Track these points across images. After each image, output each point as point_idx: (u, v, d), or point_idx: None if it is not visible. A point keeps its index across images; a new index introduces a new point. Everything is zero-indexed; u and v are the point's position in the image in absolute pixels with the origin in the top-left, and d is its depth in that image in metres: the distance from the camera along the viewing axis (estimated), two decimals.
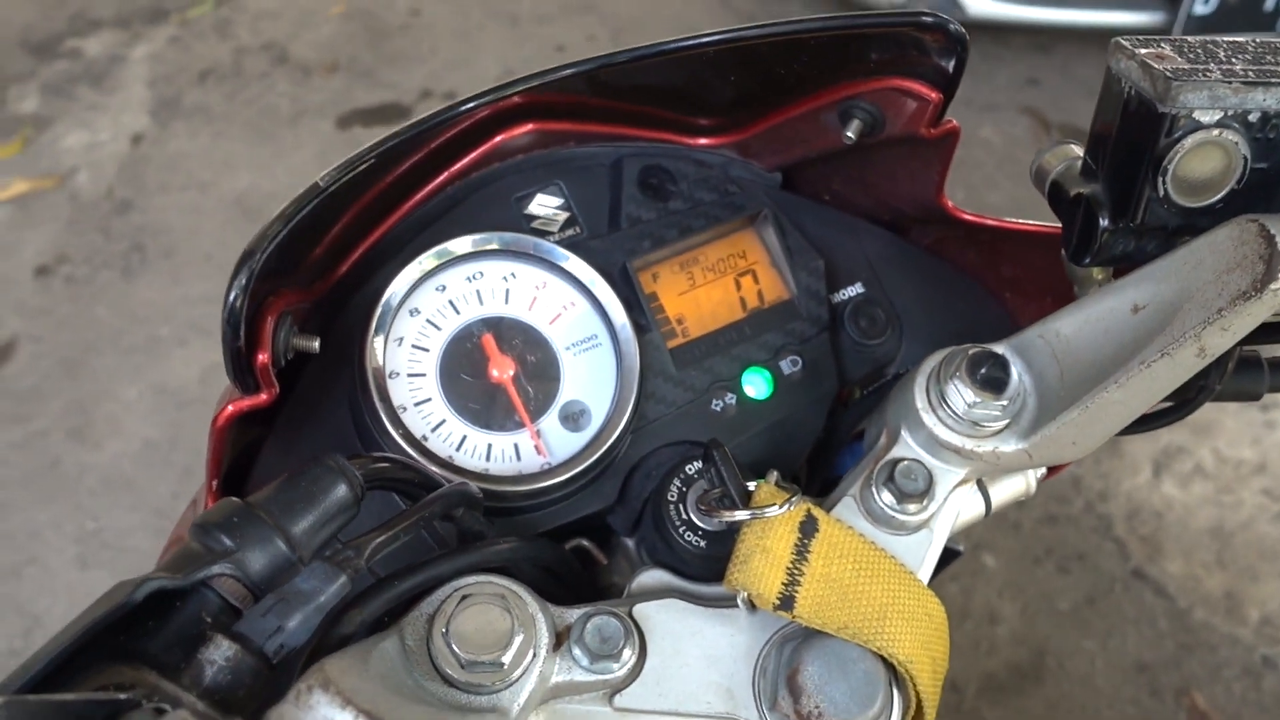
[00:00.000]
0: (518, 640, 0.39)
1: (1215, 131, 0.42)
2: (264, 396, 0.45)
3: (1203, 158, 0.43)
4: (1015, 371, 0.48)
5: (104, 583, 1.97)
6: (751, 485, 0.46)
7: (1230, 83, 0.41)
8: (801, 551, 0.44)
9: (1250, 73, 0.42)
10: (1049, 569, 2.00)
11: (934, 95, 0.52)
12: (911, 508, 0.47)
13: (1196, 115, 0.42)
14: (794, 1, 3.62)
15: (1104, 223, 0.45)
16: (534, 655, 0.40)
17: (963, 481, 0.49)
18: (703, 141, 0.59)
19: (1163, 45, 0.44)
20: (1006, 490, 0.52)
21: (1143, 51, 0.43)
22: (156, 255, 2.81)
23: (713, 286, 0.56)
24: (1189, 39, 0.46)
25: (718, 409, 0.54)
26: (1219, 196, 0.43)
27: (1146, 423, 0.53)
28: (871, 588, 0.45)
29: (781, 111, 0.56)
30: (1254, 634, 1.88)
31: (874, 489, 0.48)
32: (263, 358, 0.45)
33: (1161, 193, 0.43)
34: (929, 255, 0.61)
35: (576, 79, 0.52)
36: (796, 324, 0.56)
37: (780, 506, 0.44)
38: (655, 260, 0.55)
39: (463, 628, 0.38)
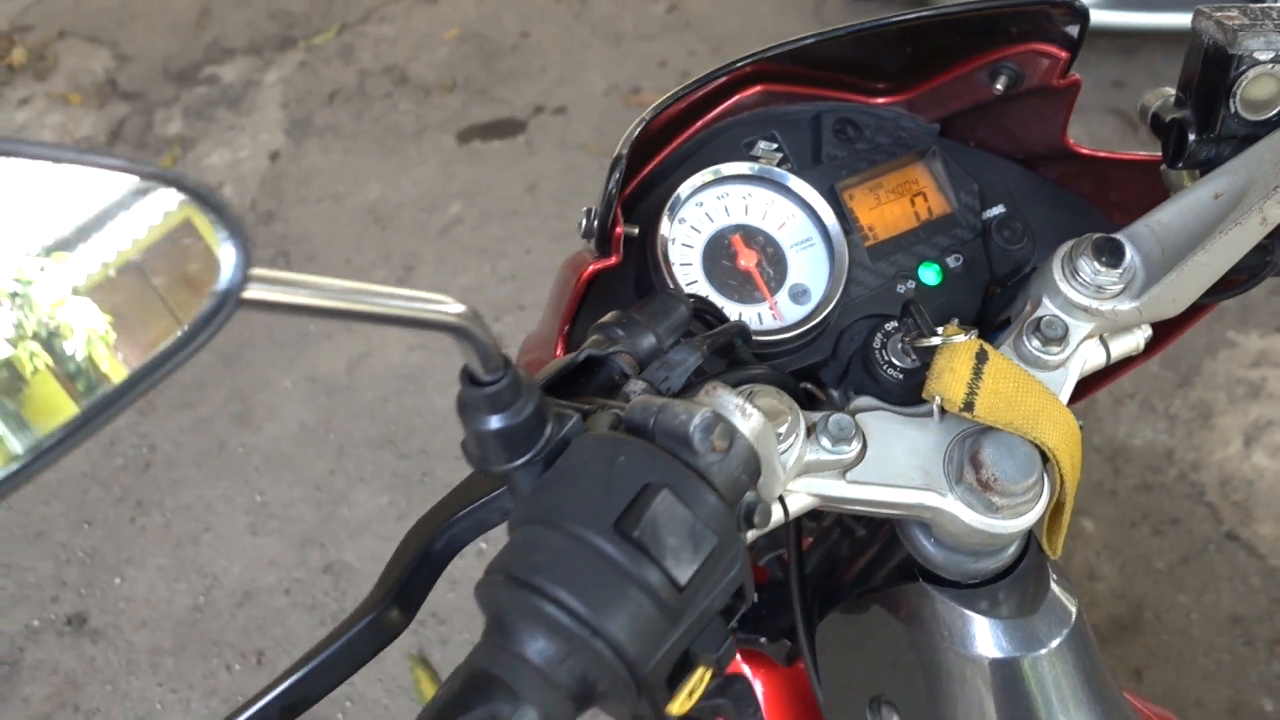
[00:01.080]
0: (788, 420, 0.57)
1: (1270, 65, 0.59)
2: (614, 259, 0.64)
3: (1261, 85, 0.60)
4: (1128, 250, 0.65)
5: (273, 548, 2.30)
6: (939, 329, 0.64)
7: (1278, 31, 0.59)
8: (977, 372, 0.62)
9: None
10: (1145, 532, 2.13)
11: (1063, 54, 0.70)
12: (1053, 349, 0.65)
13: (1256, 55, 0.59)
14: (886, 11, 3.79)
15: (1192, 136, 0.63)
16: (796, 436, 0.58)
17: (1089, 335, 0.66)
18: (879, 100, 0.77)
19: (1231, 9, 0.61)
20: (1121, 346, 0.69)
21: (1217, 14, 0.61)
22: (300, 259, 3.07)
23: (894, 204, 0.74)
24: (1251, 5, 0.63)
25: (901, 291, 0.73)
26: (1274, 112, 0.61)
27: (1228, 290, 0.69)
28: (1028, 399, 0.62)
29: (944, 74, 0.74)
30: None
31: (1025, 337, 0.65)
32: (618, 230, 0.64)
33: (1233, 110, 0.60)
34: (1054, 184, 0.79)
35: (792, 53, 0.71)
36: (958, 231, 0.74)
37: (964, 335, 0.62)
38: (850, 185, 0.74)
39: (757, 405, 0.57)
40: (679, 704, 0.45)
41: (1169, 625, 1.97)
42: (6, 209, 0.34)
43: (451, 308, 0.44)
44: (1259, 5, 0.62)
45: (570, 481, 0.45)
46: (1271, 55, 0.59)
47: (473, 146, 3.46)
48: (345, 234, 3.16)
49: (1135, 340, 0.68)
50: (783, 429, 0.57)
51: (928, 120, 0.77)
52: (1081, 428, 0.98)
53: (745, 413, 0.48)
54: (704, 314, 0.61)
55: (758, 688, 1.07)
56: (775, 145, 0.75)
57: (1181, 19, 3.15)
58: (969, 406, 0.61)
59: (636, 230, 0.68)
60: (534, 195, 3.22)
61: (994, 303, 0.75)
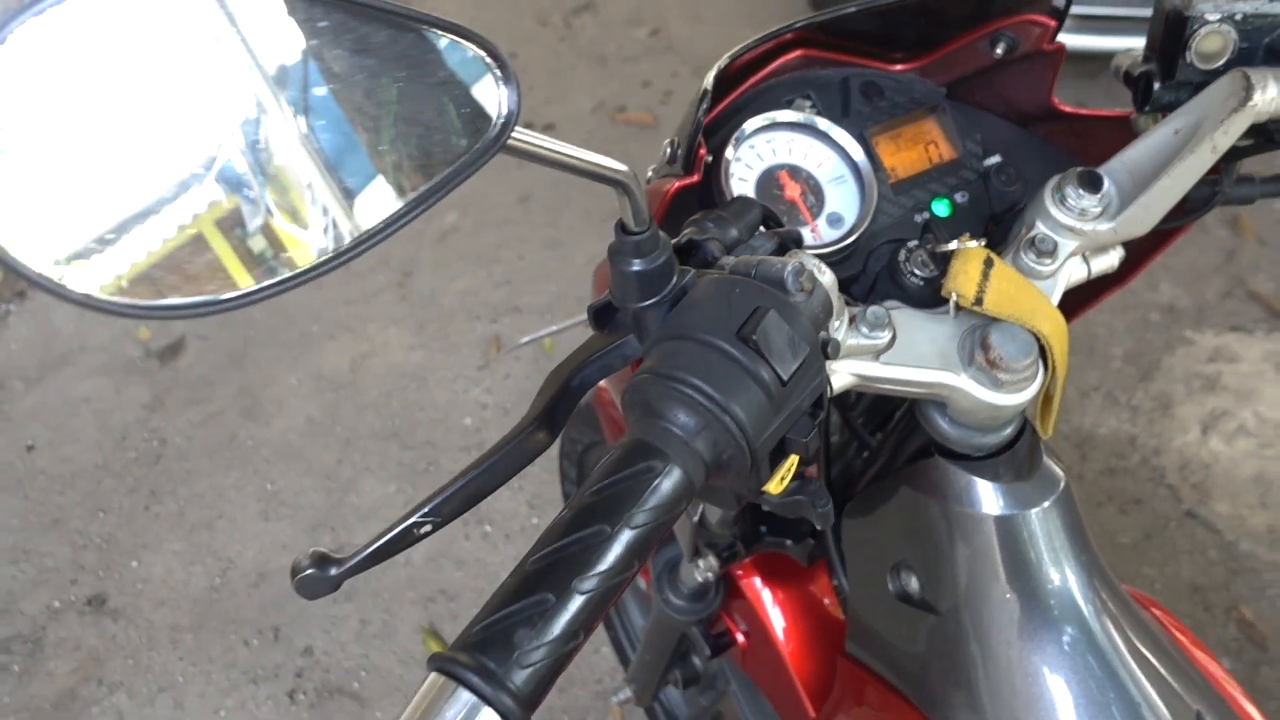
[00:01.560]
0: (835, 303, 0.71)
1: (1217, 24, 0.74)
2: (696, 177, 0.78)
3: (1210, 40, 0.75)
4: (1105, 180, 0.80)
5: (286, 533, 2.44)
6: (953, 241, 0.78)
7: None
8: (985, 274, 0.76)
9: None
10: (1111, 511, 2.28)
11: (1052, 23, 0.85)
12: (1045, 261, 0.79)
13: (1206, 15, 0.74)
14: None
15: (1156, 85, 0.78)
16: (841, 320, 0.72)
17: (1074, 252, 0.81)
18: (897, 67, 0.92)
19: None
20: (1100, 263, 0.83)
21: None
22: None
23: (911, 149, 0.88)
24: None
25: (918, 220, 0.87)
26: (1222, 62, 0.76)
27: (1186, 215, 0.84)
28: (1026, 298, 0.76)
29: (951, 43, 0.89)
30: None
31: (1022, 252, 0.79)
32: (701, 152, 0.78)
33: (1188, 61, 0.75)
34: (1042, 139, 0.94)
35: (827, 24, 0.85)
36: (964, 172, 0.88)
37: (974, 242, 0.76)
38: (876, 132, 0.88)
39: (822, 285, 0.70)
40: (775, 483, 0.58)
41: None
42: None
43: (619, 167, 0.57)
44: None
45: (700, 308, 0.58)
46: (1219, 16, 0.74)
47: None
48: None
49: (1111, 259, 0.83)
50: (835, 321, 0.71)
51: (937, 84, 0.92)
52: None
53: (820, 270, 0.62)
54: (768, 220, 0.75)
55: (769, 600, 1.21)
56: (810, 102, 0.89)
57: (1138, 42, 3.35)
58: (979, 301, 0.75)
59: (710, 158, 0.82)
60: (526, 206, 3.35)
61: (993, 236, 0.90)
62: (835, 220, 0.85)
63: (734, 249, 0.68)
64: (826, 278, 0.62)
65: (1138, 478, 2.34)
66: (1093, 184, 0.79)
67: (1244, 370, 2.56)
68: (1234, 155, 0.80)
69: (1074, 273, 0.82)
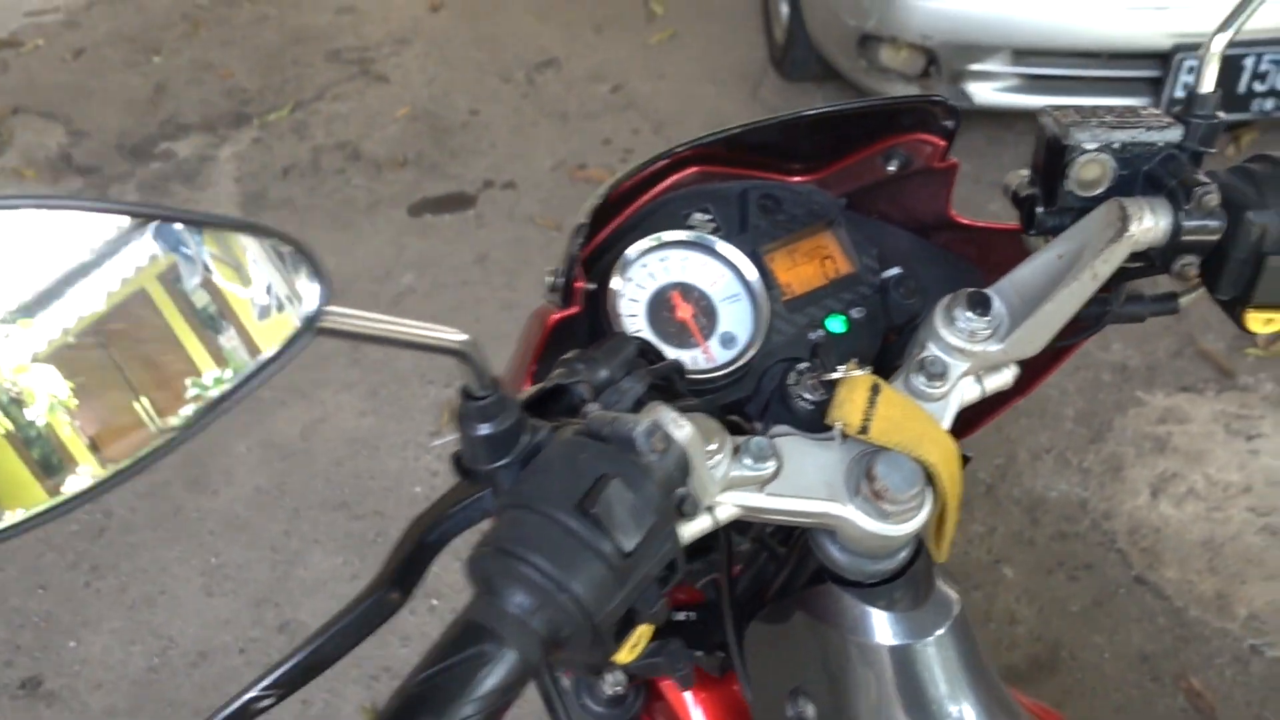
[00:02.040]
0: (716, 440, 0.70)
1: (1095, 153, 0.74)
2: (575, 309, 0.77)
3: (1089, 168, 0.75)
4: (994, 302, 0.79)
5: (228, 609, 2.39)
6: (841, 367, 0.77)
7: (1101, 127, 0.73)
8: (872, 401, 0.75)
9: (1114, 121, 0.74)
10: (1061, 578, 2.27)
11: (941, 143, 0.85)
12: (935, 384, 0.78)
13: (1084, 145, 0.74)
14: (816, 95, 4.02)
15: (1039, 209, 0.77)
16: (723, 453, 0.71)
17: (966, 373, 0.80)
18: (795, 179, 0.92)
19: (1069, 108, 0.76)
20: (993, 382, 0.82)
21: (1055, 112, 0.76)
22: None
23: (807, 265, 0.88)
24: (1083, 105, 0.78)
25: (813, 338, 0.86)
26: (1102, 190, 0.75)
27: (1079, 333, 0.84)
28: (913, 424, 0.75)
29: (848, 157, 0.89)
30: (1242, 627, 2.14)
31: (912, 374, 0.79)
32: (579, 284, 0.77)
33: (1068, 189, 0.75)
34: (942, 249, 0.93)
35: (723, 140, 0.85)
36: (860, 288, 0.88)
37: (861, 371, 0.75)
38: (771, 249, 0.88)
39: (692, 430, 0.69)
40: (625, 653, 0.56)
41: (1083, 664, 2.10)
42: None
43: (456, 336, 0.56)
44: (1087, 106, 0.77)
45: (544, 474, 0.57)
46: (1096, 145, 0.73)
47: (424, 220, 3.59)
48: None
49: (1005, 377, 0.82)
50: (712, 446, 0.70)
51: (836, 195, 0.92)
52: (970, 458, 1.12)
53: (679, 424, 0.61)
54: (647, 354, 0.74)
55: (690, 701, 1.18)
56: (709, 216, 0.88)
57: (1093, 102, 3.38)
58: (864, 430, 0.74)
59: (594, 286, 0.81)
60: (484, 266, 3.35)
61: (892, 348, 0.89)
62: (728, 340, 0.84)
63: (603, 391, 0.67)
64: (684, 432, 0.61)
65: (1088, 542, 2.33)
66: (981, 306, 0.78)
67: (1194, 431, 2.57)
68: (1123, 276, 0.80)
69: (967, 393, 0.82)
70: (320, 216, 3.63)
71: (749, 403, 0.84)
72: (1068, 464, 2.51)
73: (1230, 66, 3.04)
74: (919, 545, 0.81)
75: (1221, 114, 0.77)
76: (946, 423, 0.79)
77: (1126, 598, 2.22)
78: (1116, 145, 0.74)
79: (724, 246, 0.85)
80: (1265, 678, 2.06)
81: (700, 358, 0.83)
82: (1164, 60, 3.02)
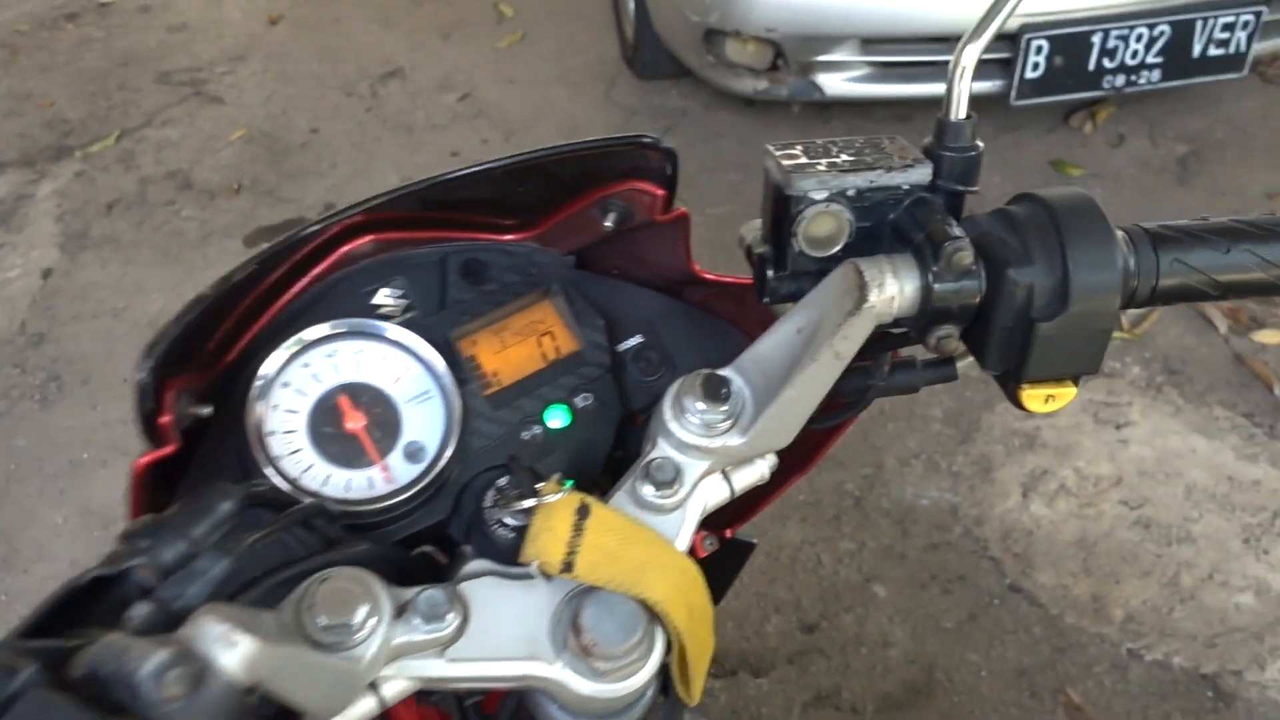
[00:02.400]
0: (364, 607, 0.54)
1: (824, 205, 0.59)
2: (169, 448, 0.60)
3: (821, 223, 0.60)
4: (735, 385, 0.64)
5: None
6: (540, 484, 0.62)
7: (830, 171, 0.59)
8: (578, 528, 0.59)
9: (848, 163, 0.60)
10: (934, 592, 2.16)
11: (659, 192, 0.69)
12: (666, 493, 0.63)
13: (811, 195, 0.59)
14: (671, 93, 3.89)
15: (769, 273, 0.63)
16: (379, 619, 0.55)
17: (707, 473, 0.65)
18: (508, 237, 0.75)
19: (795, 148, 0.62)
20: (745, 478, 0.68)
21: (778, 154, 0.61)
22: (73, 383, 2.90)
23: (520, 345, 0.72)
24: (816, 141, 0.63)
25: (527, 438, 0.70)
26: (839, 248, 0.61)
27: (838, 413, 0.69)
28: (633, 552, 0.60)
29: (562, 210, 0.73)
30: (1119, 631, 2.06)
31: (638, 482, 0.63)
32: (164, 420, 0.60)
33: (797, 250, 0.60)
34: (696, 309, 0.78)
35: (400, 200, 0.69)
36: (586, 369, 0.72)
37: (560, 492, 0.60)
38: (474, 329, 0.71)
39: (321, 599, 0.53)
40: None
41: (960, 685, 2.00)
42: None
43: None
44: (825, 141, 0.63)
45: None
46: (826, 195, 0.59)
47: (261, 249, 3.35)
48: (123, 350, 3.01)
49: (759, 470, 0.67)
50: (357, 617, 0.53)
51: (561, 253, 0.76)
52: (754, 545, 0.98)
53: (231, 642, 0.44)
54: (273, 501, 0.58)
55: None
56: (400, 292, 0.72)
57: (941, 88, 3.30)
58: (568, 567, 0.59)
59: (209, 410, 0.64)
60: None
61: (635, 433, 0.74)
62: (415, 452, 0.67)
63: (170, 575, 0.50)
64: (240, 649, 0.44)
65: (960, 551, 2.23)
66: (715, 393, 0.63)
67: (1063, 424, 2.49)
68: (884, 344, 0.65)
69: (713, 496, 0.67)
70: (147, 253, 3.37)
71: (452, 524, 0.68)
72: (937, 468, 2.41)
73: (1079, 44, 2.98)
74: (663, 680, 0.66)
75: (980, 143, 0.63)
76: (684, 539, 0.64)
77: (1001, 608, 2.12)
78: (851, 192, 0.59)
79: (396, 332, 0.68)
80: (1144, 683, 1.97)
81: (378, 479, 0.66)
82: (1013, 41, 2.94)
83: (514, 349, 0.71)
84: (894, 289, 0.57)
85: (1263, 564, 2.16)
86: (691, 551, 0.85)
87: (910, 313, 0.58)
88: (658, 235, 0.73)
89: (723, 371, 0.66)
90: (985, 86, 3.05)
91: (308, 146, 3.86)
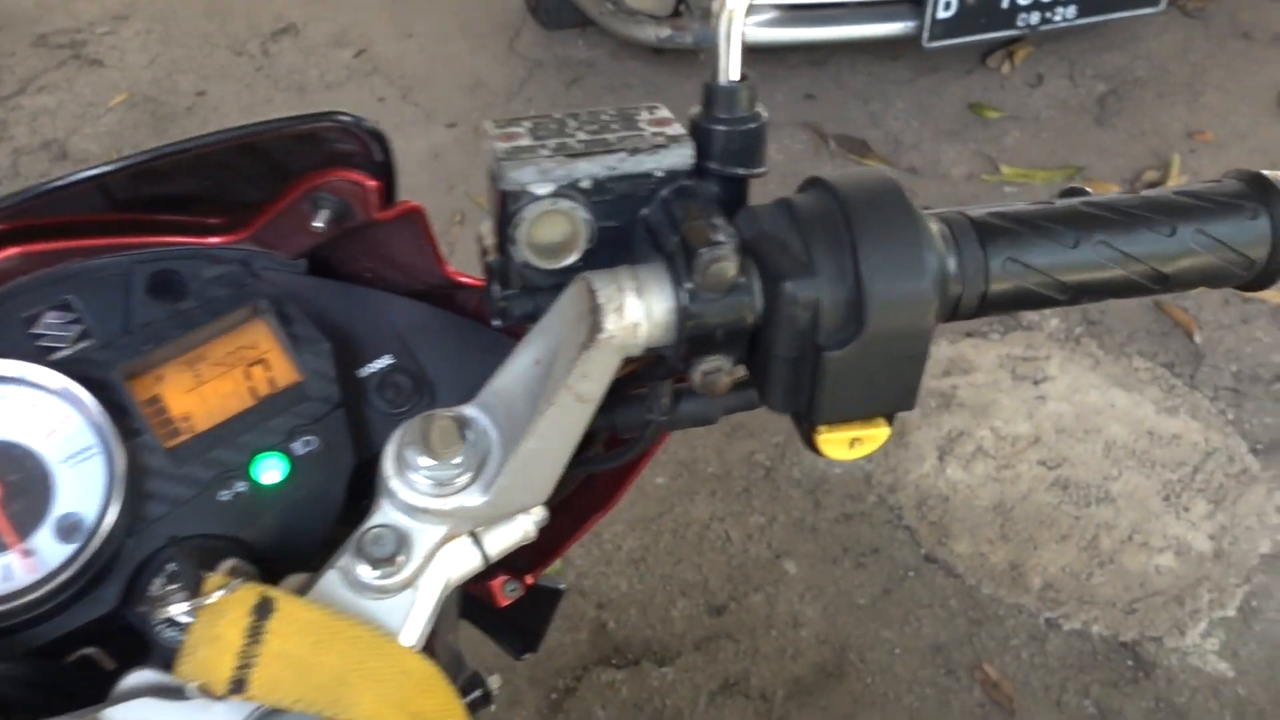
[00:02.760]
0: None
1: (550, 202, 0.45)
2: None
3: (548, 225, 0.46)
4: (478, 428, 0.51)
5: None
6: (209, 573, 0.48)
7: (557, 156, 0.45)
8: (255, 634, 0.46)
9: (584, 144, 0.46)
10: (846, 566, 2.06)
11: (370, 183, 0.55)
12: (386, 572, 0.50)
13: (531, 189, 0.45)
14: (578, 43, 3.70)
15: (497, 289, 0.49)
16: None
17: (447, 539, 0.52)
18: (215, 240, 0.61)
19: (520, 125, 0.48)
20: (502, 539, 0.54)
21: (495, 134, 0.47)
22: None
23: (221, 380, 0.57)
24: (553, 115, 0.49)
25: (227, 498, 0.56)
26: (575, 256, 0.47)
27: (619, 453, 0.56)
28: (328, 658, 0.47)
29: (269, 207, 0.59)
30: (1037, 600, 1.97)
31: (351, 559, 0.50)
32: None
33: (520, 260, 0.47)
34: (464, 319, 0.64)
35: (56, 200, 0.54)
36: (307, 405, 0.58)
37: (227, 588, 0.46)
38: (160, 361, 0.57)
39: None
40: None
41: (873, 665, 1.90)
42: None
43: None
44: (562, 115, 0.49)
45: None
46: (551, 188, 0.45)
47: None
48: None
49: (520, 529, 0.54)
50: None
51: (289, 257, 0.62)
52: (562, 590, 0.84)
53: None
54: None
55: None
56: (71, 317, 0.57)
57: (857, 30, 3.15)
58: (239, 685, 0.45)
59: None
60: None
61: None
62: (71, 527, 0.53)
63: None
64: None
65: (874, 522, 2.13)
66: (445, 441, 0.50)
67: (980, 381, 2.39)
68: (660, 371, 0.52)
69: (460, 565, 0.53)
70: None
71: (126, 616, 0.54)
72: None
73: None
74: None
75: (762, 111, 0.49)
76: (414, 628, 0.51)
77: (916, 581, 2.03)
78: (586, 183, 0.46)
79: (44, 374, 0.54)
80: (1063, 655, 1.89)
81: (17, 566, 0.52)
82: None
83: (212, 384, 0.57)
84: (638, 312, 0.44)
85: (1183, 522, 2.08)
86: (490, 599, 0.72)
87: (666, 340, 0.45)
88: (396, 234, 0.59)
89: (462, 410, 0.52)
90: (896, 28, 2.92)
91: (194, 110, 3.64)
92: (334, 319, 0.61)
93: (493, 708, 0.87)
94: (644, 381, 0.53)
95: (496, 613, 0.76)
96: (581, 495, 0.68)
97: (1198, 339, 2.43)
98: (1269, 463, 2.18)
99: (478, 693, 0.82)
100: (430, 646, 0.53)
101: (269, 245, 0.61)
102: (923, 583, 2.03)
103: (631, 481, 0.66)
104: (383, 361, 0.61)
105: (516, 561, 0.73)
